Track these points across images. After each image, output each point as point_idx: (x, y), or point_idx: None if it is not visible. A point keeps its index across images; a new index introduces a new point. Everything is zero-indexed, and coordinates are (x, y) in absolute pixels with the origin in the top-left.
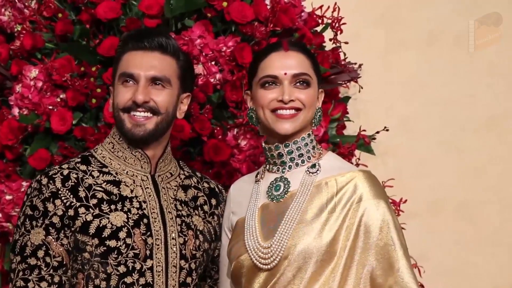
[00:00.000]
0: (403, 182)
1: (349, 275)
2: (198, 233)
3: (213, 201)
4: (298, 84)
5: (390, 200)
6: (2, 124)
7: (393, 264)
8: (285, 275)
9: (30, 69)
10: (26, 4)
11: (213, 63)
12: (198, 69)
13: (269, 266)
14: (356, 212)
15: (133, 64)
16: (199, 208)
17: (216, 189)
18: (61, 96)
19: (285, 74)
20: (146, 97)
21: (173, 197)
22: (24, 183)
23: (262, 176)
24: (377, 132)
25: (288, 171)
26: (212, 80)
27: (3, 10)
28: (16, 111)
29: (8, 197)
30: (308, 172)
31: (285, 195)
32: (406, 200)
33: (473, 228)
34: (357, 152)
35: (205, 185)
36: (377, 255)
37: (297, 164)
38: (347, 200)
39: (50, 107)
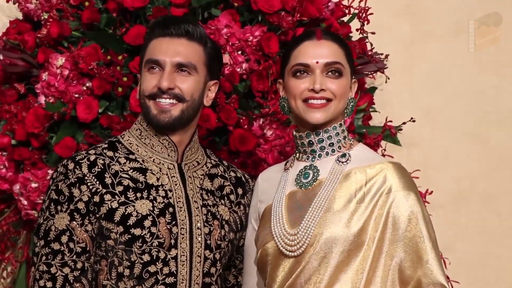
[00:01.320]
0: (428, 173)
1: (377, 266)
2: (224, 223)
3: (240, 191)
4: (330, 73)
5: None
6: (28, 112)
7: (422, 256)
8: (310, 263)
9: (57, 57)
10: None
11: (239, 52)
12: (225, 58)
13: (295, 254)
14: (385, 203)
15: (159, 51)
16: (225, 198)
17: (243, 179)
18: (87, 84)
19: (317, 62)
20: (171, 83)
21: (199, 186)
22: (50, 171)
23: (292, 164)
24: (404, 123)
25: (318, 159)
26: (238, 69)
27: None
28: (42, 99)
29: (33, 185)
30: (338, 161)
31: (314, 183)
32: (432, 192)
33: (498, 219)
34: (383, 143)
35: (232, 174)
36: (406, 247)
37: (327, 153)
38: (376, 191)
39: (76, 96)
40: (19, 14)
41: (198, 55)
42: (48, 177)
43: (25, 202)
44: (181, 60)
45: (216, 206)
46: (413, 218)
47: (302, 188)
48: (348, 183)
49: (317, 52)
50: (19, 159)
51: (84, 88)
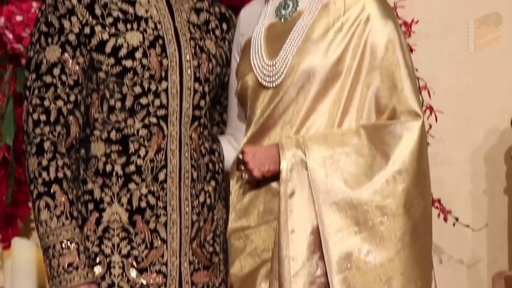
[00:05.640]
0: (414, 2)
1: (354, 96)
2: (211, 56)
3: (224, 26)
4: None
5: (401, 21)
6: None
7: (397, 84)
8: (288, 93)
9: None
10: None
11: None
12: None
13: (273, 84)
14: (363, 31)
15: None
16: (211, 32)
17: (227, 14)
18: None
19: None
20: None
21: (187, 19)
22: (35, 4)
23: None
24: None
25: None
26: None
27: None
28: None
29: (18, 18)
30: None
31: (293, 14)
32: (418, 21)
33: (484, 48)
34: None
35: (216, 9)
36: (382, 76)
37: None
38: (355, 19)
39: None
40: None
41: None
42: (33, 10)
43: (10, 36)
44: None
45: (203, 40)
46: (390, 46)
47: (282, 20)
48: (327, 12)
49: None
50: None
51: None
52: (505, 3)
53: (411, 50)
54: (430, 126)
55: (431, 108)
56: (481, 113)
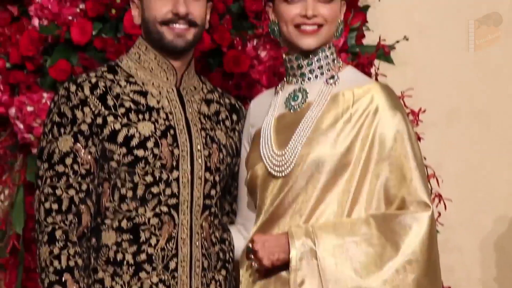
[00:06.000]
0: (421, 91)
1: (363, 186)
2: (222, 146)
3: (234, 117)
4: None
5: (409, 110)
6: (22, 35)
7: (406, 175)
8: (298, 183)
9: None
10: None
11: None
12: None
13: (282, 174)
14: (371, 123)
15: None
16: (221, 123)
17: (237, 105)
18: (80, 6)
19: None
20: (187, 9)
21: (197, 110)
22: (45, 94)
23: (282, 88)
24: (397, 42)
25: (307, 82)
26: None
27: None
28: (36, 21)
29: (29, 109)
30: (326, 83)
31: (302, 105)
32: (425, 110)
33: (489, 136)
34: (376, 61)
35: (226, 100)
36: (391, 166)
37: (316, 76)
38: (363, 111)
39: (70, 18)
40: None
41: None
42: (44, 101)
43: (21, 126)
44: None
45: (213, 130)
46: (398, 137)
47: (291, 111)
48: (336, 104)
49: None
50: (14, 82)
51: (78, 10)
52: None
53: (419, 139)
54: (439, 214)
55: (439, 196)
56: (490, 200)
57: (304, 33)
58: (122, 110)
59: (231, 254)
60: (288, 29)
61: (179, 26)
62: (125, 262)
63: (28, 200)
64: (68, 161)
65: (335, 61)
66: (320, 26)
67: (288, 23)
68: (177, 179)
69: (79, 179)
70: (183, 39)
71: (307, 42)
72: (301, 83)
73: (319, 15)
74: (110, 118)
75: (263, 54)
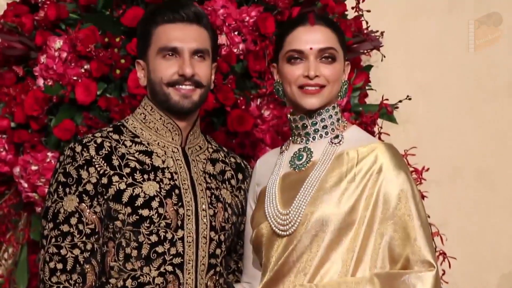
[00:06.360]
0: (423, 149)
1: (368, 245)
2: (227, 205)
3: (240, 176)
4: (323, 59)
5: (413, 169)
6: (27, 95)
7: (410, 234)
8: (302, 242)
9: (55, 40)
10: None
11: (236, 33)
12: (221, 39)
13: (287, 233)
14: (375, 182)
15: (173, 37)
16: (227, 182)
17: (242, 165)
18: (85, 67)
19: (311, 49)
20: (193, 70)
21: (203, 169)
22: (50, 154)
23: (287, 147)
24: (400, 101)
25: (312, 142)
26: (235, 50)
27: None
28: (41, 82)
29: (33, 168)
30: (331, 143)
31: (307, 164)
32: (428, 169)
33: (493, 194)
34: (379, 120)
35: (232, 159)
36: (395, 226)
37: (321, 136)
38: (367, 170)
39: (75, 78)
40: None
41: (208, 40)
42: (48, 160)
43: (25, 185)
44: (197, 46)
45: (219, 190)
46: (402, 197)
47: (296, 170)
48: (340, 163)
49: (311, 38)
50: (19, 141)
51: (82, 70)
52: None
53: (423, 197)
54: (444, 272)
55: (444, 254)
56: (494, 258)
57: (307, 93)
58: (127, 170)
59: None
60: (292, 90)
61: (185, 87)
62: None
63: (32, 259)
64: (73, 220)
65: (340, 121)
66: (322, 86)
67: (292, 84)
68: (182, 239)
69: (84, 238)
70: (189, 100)
71: (311, 102)
72: (306, 142)
73: (321, 76)
74: (115, 178)
75: (266, 113)
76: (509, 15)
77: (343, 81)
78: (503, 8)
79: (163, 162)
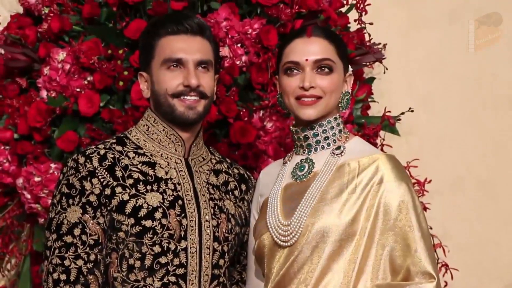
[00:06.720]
0: (426, 161)
1: (369, 256)
2: (230, 216)
3: (243, 187)
4: (320, 70)
5: (415, 180)
6: (30, 107)
7: (411, 246)
8: (303, 252)
9: (58, 52)
10: None
11: (239, 45)
12: (224, 51)
13: (288, 244)
14: (376, 193)
15: (178, 49)
16: (230, 193)
17: (246, 176)
18: (88, 78)
19: (306, 60)
20: (198, 81)
21: (206, 180)
22: (53, 165)
23: (290, 158)
24: (402, 113)
25: (314, 153)
26: (238, 62)
27: None
28: (44, 93)
29: (36, 179)
30: (332, 154)
31: (309, 175)
32: (430, 180)
33: (495, 205)
34: (381, 132)
35: (235, 170)
36: (396, 236)
37: (322, 147)
38: (368, 181)
39: (78, 90)
40: (20, 9)
41: (211, 51)
42: (51, 171)
43: (28, 196)
44: (201, 57)
45: (222, 200)
46: (403, 208)
47: (298, 181)
48: (341, 173)
49: (307, 50)
50: (22, 153)
51: (86, 82)
52: None
53: (425, 209)
54: (446, 283)
55: (446, 266)
56: (496, 269)
57: (303, 105)
58: (131, 181)
59: None
60: (290, 101)
61: (190, 98)
62: None
63: (34, 270)
64: (77, 231)
65: (342, 132)
66: (319, 97)
67: (289, 95)
68: (185, 249)
69: (88, 249)
70: (194, 111)
71: (307, 113)
72: (308, 153)
73: (317, 87)
74: (118, 189)
75: (269, 125)
76: (509, 25)
77: (343, 92)
78: (503, 19)
79: (166, 173)
